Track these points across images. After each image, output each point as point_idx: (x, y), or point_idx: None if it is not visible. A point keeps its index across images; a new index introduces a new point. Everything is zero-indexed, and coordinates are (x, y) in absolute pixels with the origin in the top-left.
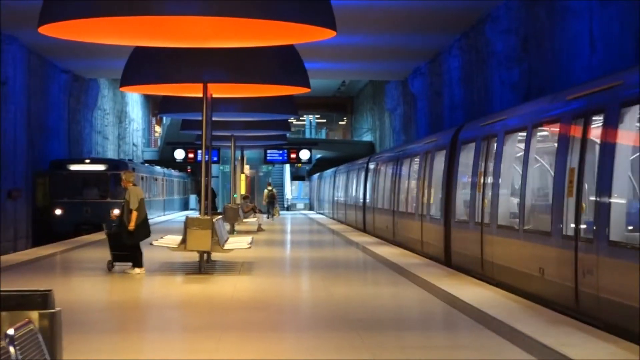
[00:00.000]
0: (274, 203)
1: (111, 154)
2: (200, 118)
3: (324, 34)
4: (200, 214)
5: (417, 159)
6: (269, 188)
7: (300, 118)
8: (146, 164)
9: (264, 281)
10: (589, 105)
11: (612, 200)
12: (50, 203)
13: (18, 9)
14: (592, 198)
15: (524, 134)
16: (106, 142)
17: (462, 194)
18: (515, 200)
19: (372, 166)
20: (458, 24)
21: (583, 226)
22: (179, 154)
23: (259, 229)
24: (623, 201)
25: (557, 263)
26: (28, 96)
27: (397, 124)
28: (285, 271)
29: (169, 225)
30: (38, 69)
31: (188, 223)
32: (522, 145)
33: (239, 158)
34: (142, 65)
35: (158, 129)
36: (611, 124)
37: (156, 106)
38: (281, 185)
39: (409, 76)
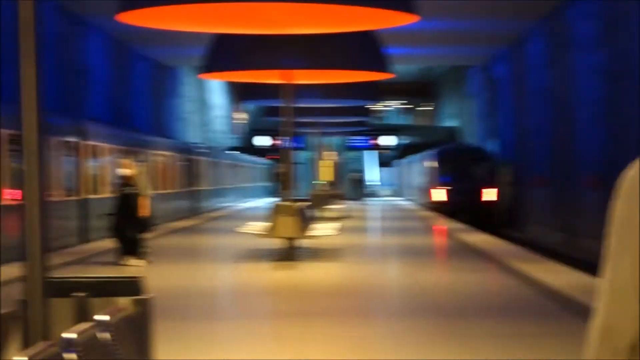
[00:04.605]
0: (360, 187)
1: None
2: (282, 105)
3: (407, 19)
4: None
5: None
6: (355, 174)
7: (384, 104)
8: (231, 152)
9: (351, 268)
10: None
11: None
12: None
13: None
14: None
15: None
16: (188, 130)
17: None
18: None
19: None
20: (539, 8)
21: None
22: (262, 141)
23: (346, 216)
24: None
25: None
26: (111, 85)
27: (480, 110)
28: (373, 258)
29: (253, 212)
30: (120, 57)
31: (276, 210)
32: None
33: (323, 144)
34: (222, 53)
35: (240, 115)
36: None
37: (238, 93)
38: (364, 172)
39: (490, 61)
